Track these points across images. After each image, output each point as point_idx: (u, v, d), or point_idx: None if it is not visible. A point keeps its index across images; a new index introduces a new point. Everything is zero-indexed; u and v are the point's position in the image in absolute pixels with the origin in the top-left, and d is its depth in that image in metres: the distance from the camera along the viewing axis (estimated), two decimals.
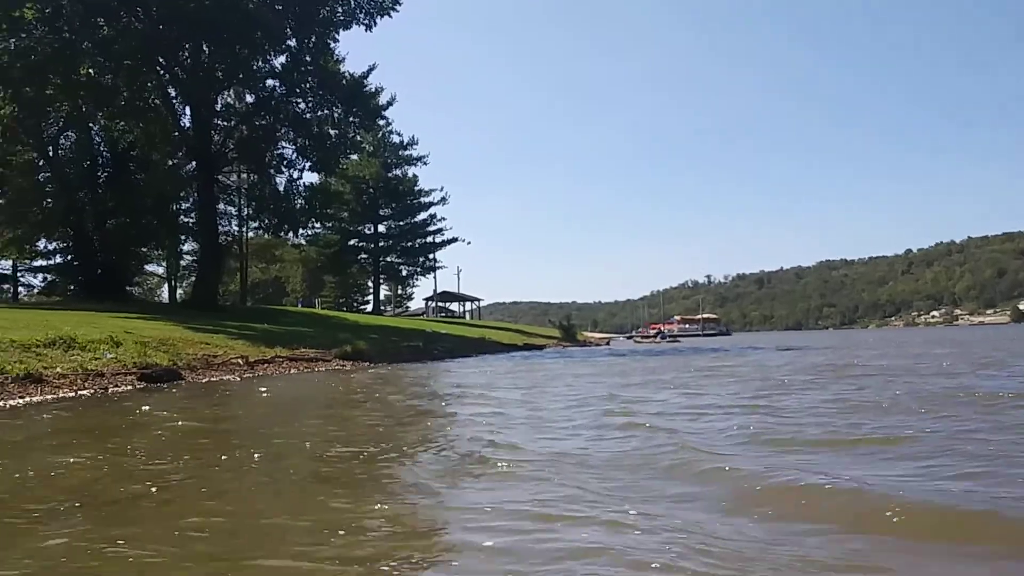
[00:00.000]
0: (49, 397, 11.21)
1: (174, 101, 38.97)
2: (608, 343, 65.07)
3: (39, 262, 60.52)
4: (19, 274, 61.43)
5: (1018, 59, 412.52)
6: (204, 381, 15.36)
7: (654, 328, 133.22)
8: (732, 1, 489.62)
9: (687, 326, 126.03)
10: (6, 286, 62.38)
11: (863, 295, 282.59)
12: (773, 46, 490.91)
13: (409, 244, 71.10)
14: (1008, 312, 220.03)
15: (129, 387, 13.33)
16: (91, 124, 41.11)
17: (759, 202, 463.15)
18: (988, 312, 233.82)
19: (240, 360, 18.16)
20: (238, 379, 16.06)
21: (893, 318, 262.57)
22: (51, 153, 42.43)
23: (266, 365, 18.80)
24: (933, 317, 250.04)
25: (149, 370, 14.31)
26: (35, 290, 62.99)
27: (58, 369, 13.42)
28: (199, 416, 9.44)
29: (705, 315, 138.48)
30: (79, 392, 12.03)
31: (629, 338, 74.61)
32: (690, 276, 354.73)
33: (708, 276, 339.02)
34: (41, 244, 51.38)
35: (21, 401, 10.56)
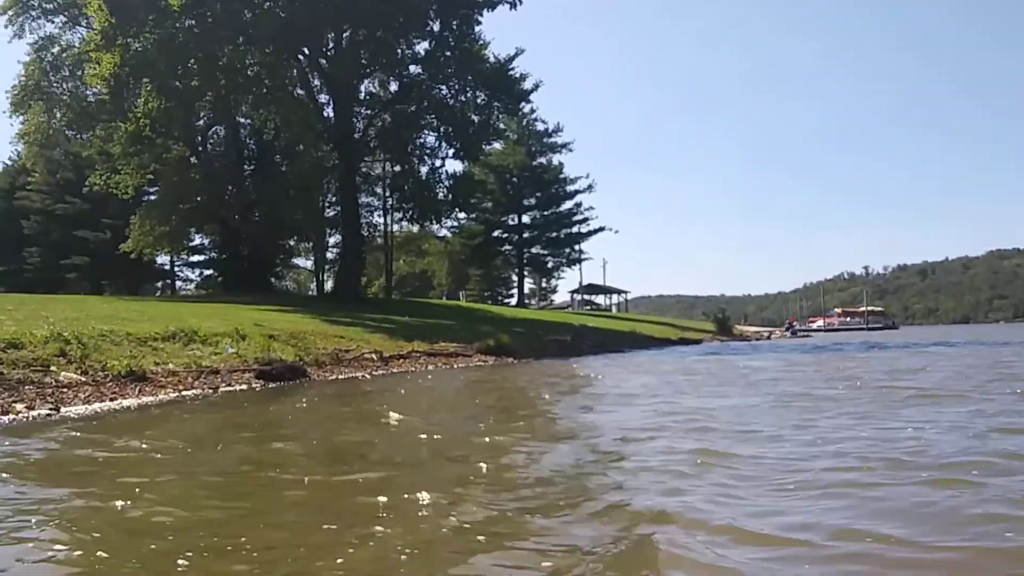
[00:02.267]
0: (145, 400, 9.70)
1: (316, 90, 38.51)
2: (769, 337, 61.09)
3: (195, 257, 62.87)
4: (176, 269, 63.74)
5: None
6: (331, 379, 13.74)
7: (814, 321, 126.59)
8: None
9: (849, 319, 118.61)
10: (165, 281, 64.90)
11: None
12: (936, 30, 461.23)
13: (554, 234, 69.05)
14: None
15: (244, 386, 11.79)
16: (237, 117, 41.20)
17: (921, 188, 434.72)
18: None
19: (373, 355, 16.54)
20: (368, 376, 14.39)
21: None
22: (200, 148, 42.96)
23: (401, 360, 17.13)
24: None
25: (270, 367, 12.76)
26: (192, 284, 65.21)
27: (170, 365, 12.03)
28: (296, 435, 7.55)
29: (870, 307, 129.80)
30: (183, 392, 10.52)
31: (788, 332, 69.71)
32: (846, 267, 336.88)
33: (866, 267, 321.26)
34: (196, 239, 52.90)
35: (107, 406, 9.02)
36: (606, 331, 36.62)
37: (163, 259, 57.96)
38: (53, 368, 10.13)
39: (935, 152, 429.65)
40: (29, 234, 56.19)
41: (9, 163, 63.91)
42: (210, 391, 10.92)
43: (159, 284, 64.44)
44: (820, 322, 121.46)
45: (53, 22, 41.83)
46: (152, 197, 46.16)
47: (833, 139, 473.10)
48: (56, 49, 41.93)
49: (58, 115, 44.04)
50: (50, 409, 8.17)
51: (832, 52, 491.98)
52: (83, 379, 9.98)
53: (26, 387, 9.08)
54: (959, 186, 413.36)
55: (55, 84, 42.39)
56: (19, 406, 8.11)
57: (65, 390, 9.27)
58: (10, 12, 40.17)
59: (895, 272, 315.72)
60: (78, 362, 10.69)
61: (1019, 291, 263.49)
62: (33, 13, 40.78)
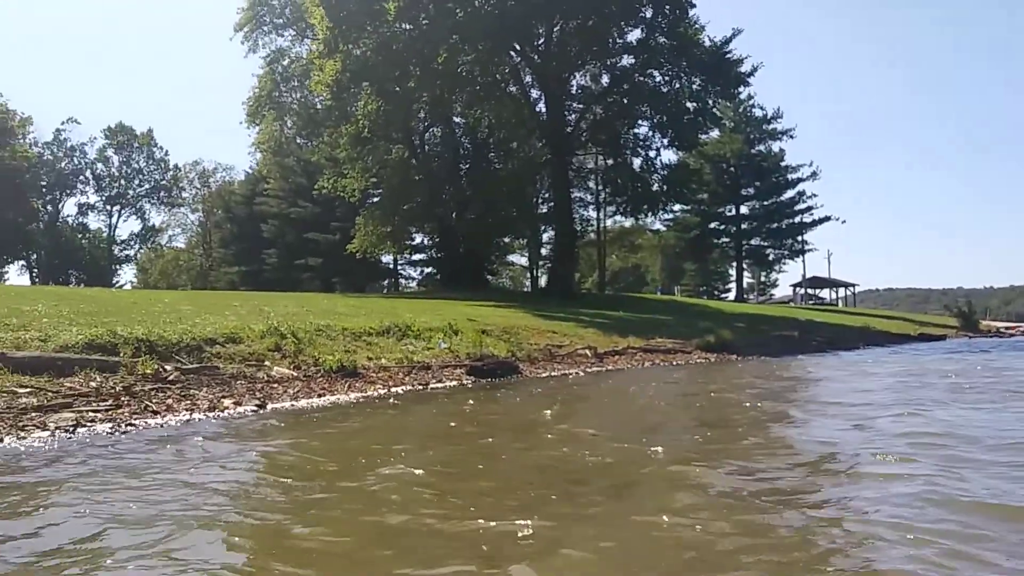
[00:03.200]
0: (354, 396, 9.41)
1: (527, 86, 38.44)
2: (1023, 334, 54.79)
3: (416, 256, 65.17)
4: (399, 268, 66.32)
5: None
6: (544, 375, 13.10)
7: None
8: None
9: None
10: (389, 280, 67.66)
11: None
12: None
13: (775, 225, 65.42)
14: None
15: (454, 382, 11.36)
16: (452, 117, 41.90)
17: None
18: None
19: (587, 351, 15.77)
20: (582, 374, 13.62)
21: None
22: (419, 149, 44.13)
23: (616, 357, 16.26)
24: None
25: (481, 363, 12.30)
26: (414, 282, 67.66)
27: (382, 360, 11.84)
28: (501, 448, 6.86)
29: None
30: (393, 389, 10.18)
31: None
32: None
33: None
34: (417, 239, 54.68)
35: (315, 402, 8.77)
36: (835, 326, 34.03)
37: (387, 258, 60.59)
38: (267, 363, 10.10)
39: None
40: (267, 237, 60.31)
41: (250, 171, 69.18)
42: (420, 387, 10.55)
43: (385, 283, 67.18)
44: None
45: (283, 36, 44.56)
46: (376, 199, 48.06)
47: None
48: (286, 61, 44.58)
49: (289, 123, 46.88)
50: (256, 405, 7.97)
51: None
52: (294, 374, 9.87)
53: (238, 382, 9.03)
54: None
55: (285, 94, 45.11)
56: (227, 401, 7.97)
57: (275, 385, 9.15)
58: (245, 28, 43.02)
59: None
60: (292, 356, 10.65)
61: None
62: (265, 28, 43.54)
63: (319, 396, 9.01)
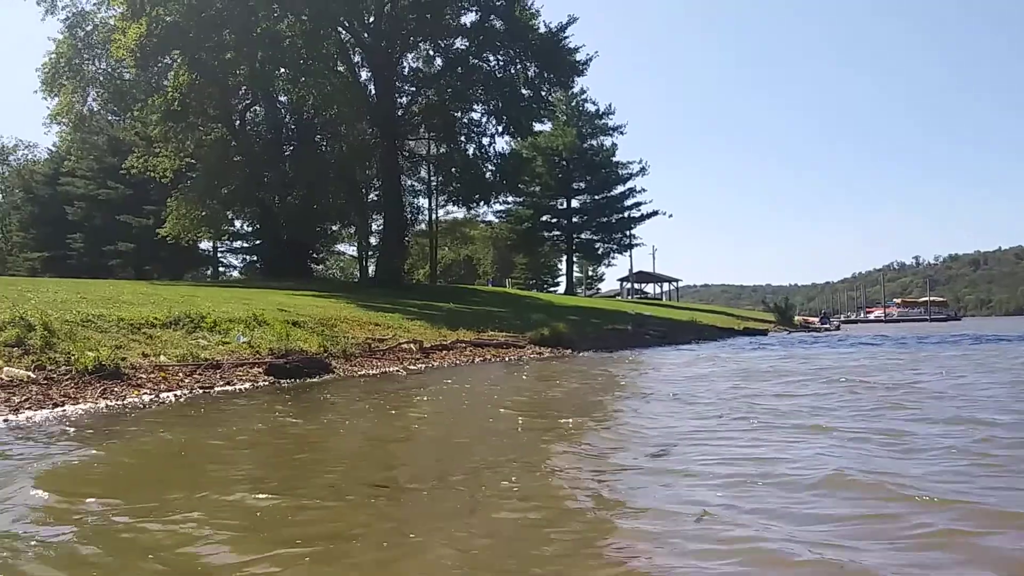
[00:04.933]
0: (104, 405, 7.38)
1: (357, 66, 36.37)
2: (838, 328, 57.90)
3: (238, 243, 61.43)
4: (219, 255, 62.36)
5: None
6: (359, 374, 11.43)
7: (871, 311, 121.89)
8: None
9: (908, 310, 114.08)
10: (209, 268, 63.50)
11: None
12: (988, 7, 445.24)
13: (605, 220, 66.02)
14: None
15: (248, 384, 9.50)
16: (276, 95, 39.10)
17: (975, 176, 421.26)
18: None
19: (412, 346, 14.20)
20: (404, 372, 12.03)
21: None
22: (239, 128, 41.02)
23: (444, 352, 14.77)
24: None
25: (284, 360, 10.47)
26: (236, 271, 63.75)
27: (161, 357, 9.82)
28: None
29: (932, 298, 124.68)
30: (164, 395, 8.22)
31: (823, 322, 65.23)
32: (895, 257, 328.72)
33: (916, 257, 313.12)
34: (239, 224, 51.34)
35: (40, 414, 6.71)
36: (666, 320, 34.05)
37: (207, 245, 56.73)
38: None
39: (988, 138, 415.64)
40: (73, 220, 55.07)
41: (54, 149, 63.05)
42: (201, 391, 8.64)
43: (207, 272, 62.96)
44: (878, 312, 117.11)
45: None
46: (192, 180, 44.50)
47: (887, 127, 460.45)
48: (90, 27, 40.32)
49: (93, 94, 42.56)
50: None
51: (897, 29, 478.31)
52: (32, 376, 7.76)
53: None
54: (1016, 168, 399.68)
55: (88, 63, 40.80)
56: None
57: None
58: None
59: (946, 262, 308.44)
60: (37, 353, 8.50)
61: None
62: None
63: (55, 406, 6.96)
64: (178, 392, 8.37)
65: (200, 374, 9.37)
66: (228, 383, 9.25)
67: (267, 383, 9.67)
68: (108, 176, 53.08)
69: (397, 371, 12.00)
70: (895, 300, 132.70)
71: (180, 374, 9.22)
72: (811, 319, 66.59)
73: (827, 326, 57.66)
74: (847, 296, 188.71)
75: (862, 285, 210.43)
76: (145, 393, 8.03)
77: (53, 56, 39.68)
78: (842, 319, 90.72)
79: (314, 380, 10.25)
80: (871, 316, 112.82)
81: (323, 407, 8.17)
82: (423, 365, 13.08)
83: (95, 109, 46.41)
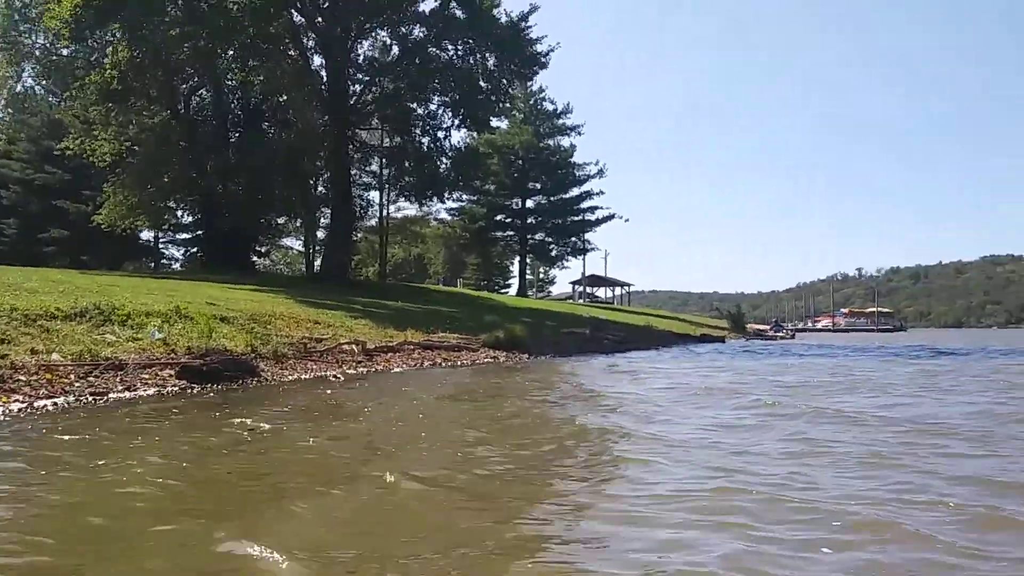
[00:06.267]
0: None
1: (310, 51, 34.73)
2: (793, 336, 57.55)
3: (182, 235, 58.96)
4: (160, 245, 59.84)
5: None
6: (290, 378, 10.03)
7: (819, 320, 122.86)
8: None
9: (855, 320, 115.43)
10: (149, 258, 60.94)
11: None
12: (945, 24, 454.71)
13: (560, 222, 64.81)
14: None
15: (154, 389, 8.06)
16: (223, 78, 37.23)
17: (917, 192, 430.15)
18: None
19: (354, 346, 12.78)
20: (341, 377, 10.63)
21: None
22: (182, 111, 39.03)
23: (390, 354, 13.39)
24: None
25: (201, 361, 9.03)
26: (177, 263, 61.22)
27: (54, 355, 8.32)
28: None
29: (880, 308, 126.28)
30: (41, 402, 6.76)
31: (775, 331, 65.05)
32: (839, 268, 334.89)
33: (859, 269, 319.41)
34: (180, 215, 49.10)
35: None
36: (622, 324, 33.02)
37: (149, 235, 54.42)
38: None
39: (932, 156, 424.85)
40: (7, 205, 52.31)
41: None
42: (95, 397, 7.20)
43: (151, 263, 60.36)
44: (826, 321, 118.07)
45: None
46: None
47: (832, 141, 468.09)
48: None
49: (28, 70, 40.27)
50: None
51: (838, 48, 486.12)
52: None
53: None
54: (955, 190, 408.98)
55: (24, 36, 38.49)
56: None
57: None
58: None
59: (887, 274, 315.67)
60: None
61: (1012, 297, 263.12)
62: None
63: None
64: (60, 399, 6.91)
65: (97, 376, 7.91)
66: (129, 388, 7.79)
67: (177, 388, 8.23)
68: (45, 160, 50.50)
69: (334, 376, 10.57)
70: (843, 310, 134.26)
71: (72, 376, 7.75)
72: (762, 327, 66.28)
73: (781, 334, 57.28)
74: (792, 305, 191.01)
75: (807, 295, 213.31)
76: (16, 400, 6.57)
77: None
78: (795, 328, 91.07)
79: (234, 385, 8.83)
80: (819, 325, 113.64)
81: (218, 428, 6.60)
82: (365, 369, 11.71)
83: (31, 86, 44.16)
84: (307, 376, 10.34)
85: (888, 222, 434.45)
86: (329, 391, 9.17)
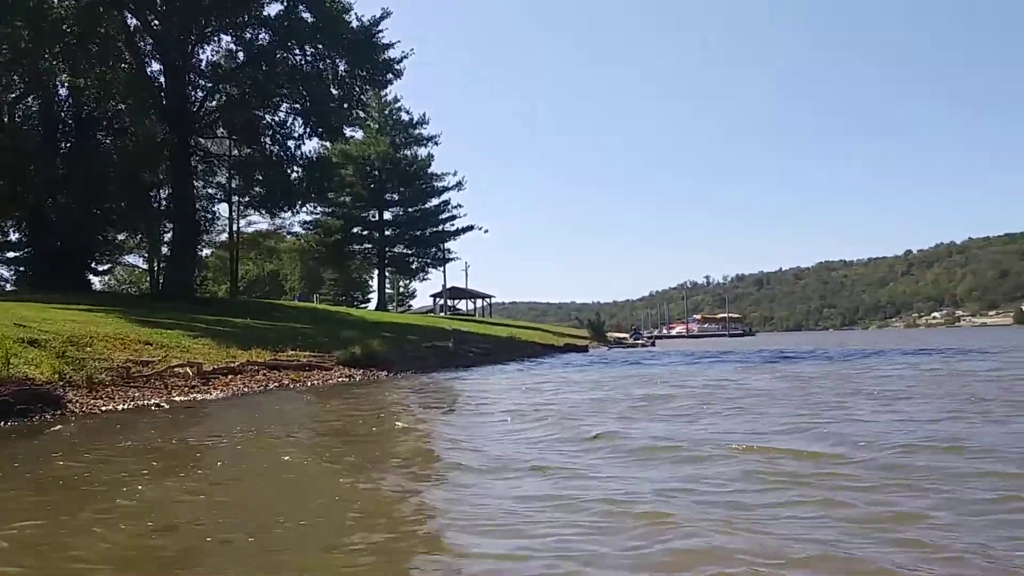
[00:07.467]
0: None
1: (146, 56, 32.48)
2: (653, 343, 58.51)
3: (11, 253, 54.48)
4: None
5: (1015, 55, 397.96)
6: (104, 409, 8.69)
7: (673, 327, 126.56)
8: (731, 4, 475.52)
9: (708, 325, 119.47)
10: None
11: (863, 296, 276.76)
12: (771, 46, 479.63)
13: (419, 233, 63.58)
14: (1011, 314, 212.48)
15: None
16: (50, 83, 34.37)
17: (758, 202, 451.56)
18: (991, 313, 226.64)
19: (188, 370, 11.43)
20: (165, 405, 9.32)
21: (894, 319, 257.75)
22: (4, 119, 35.84)
23: (230, 377, 12.10)
24: (935, 319, 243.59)
25: None
26: (7, 283, 56.53)
27: None
28: None
29: (730, 314, 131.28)
30: None
31: (635, 338, 66.41)
32: (688, 277, 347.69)
33: (707, 277, 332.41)
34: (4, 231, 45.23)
35: None
36: (486, 336, 32.43)
37: None
38: None
39: (771, 167, 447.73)
40: None
41: None
42: None
43: None
44: (680, 328, 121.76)
45: None
46: None
47: (680, 154, 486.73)
48: None
49: None
50: None
51: (686, 63, 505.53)
52: None
53: None
54: (792, 197, 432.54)
55: None
56: None
57: None
58: None
59: (734, 282, 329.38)
60: None
61: (846, 300, 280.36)
62: None
63: None
64: None
65: None
66: None
67: None
68: None
69: (158, 405, 9.26)
70: (695, 316, 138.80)
71: None
72: (622, 335, 67.29)
73: (640, 341, 58.16)
74: (646, 313, 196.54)
75: (660, 303, 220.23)
76: None
77: None
78: (652, 336, 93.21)
79: (31, 420, 7.45)
80: (674, 332, 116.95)
81: None
82: (198, 395, 10.41)
83: None
84: (125, 406, 9.00)
85: (733, 230, 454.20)
86: (139, 428, 7.87)
